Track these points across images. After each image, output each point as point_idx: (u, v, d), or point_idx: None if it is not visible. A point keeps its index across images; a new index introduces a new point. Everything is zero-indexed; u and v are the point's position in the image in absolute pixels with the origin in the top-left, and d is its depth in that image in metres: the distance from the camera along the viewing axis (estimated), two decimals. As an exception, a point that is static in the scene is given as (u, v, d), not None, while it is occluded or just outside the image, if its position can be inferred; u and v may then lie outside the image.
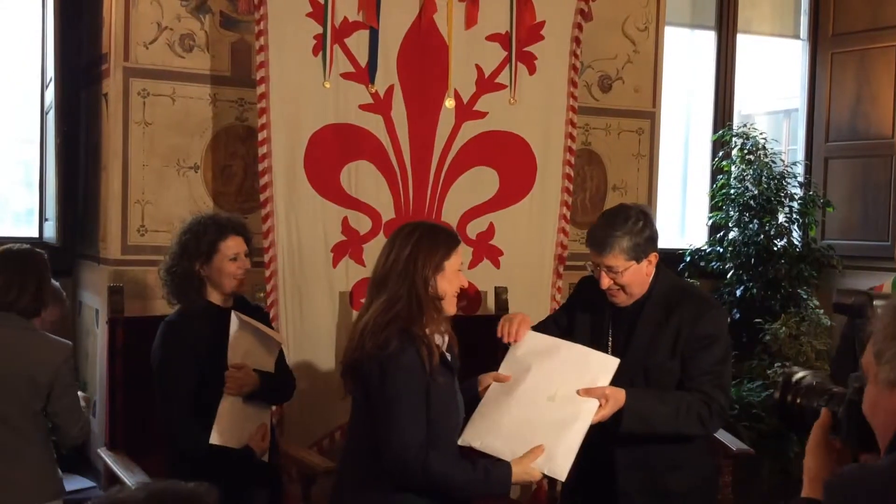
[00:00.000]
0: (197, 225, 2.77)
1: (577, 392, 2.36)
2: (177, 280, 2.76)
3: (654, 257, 2.54)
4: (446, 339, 2.36)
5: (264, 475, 2.79)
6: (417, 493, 2.25)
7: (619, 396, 2.38)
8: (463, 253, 2.45)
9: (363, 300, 3.46)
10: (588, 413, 2.34)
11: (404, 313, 2.25)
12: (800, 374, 1.60)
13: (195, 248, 2.73)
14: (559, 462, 2.28)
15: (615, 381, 2.46)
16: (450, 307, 2.37)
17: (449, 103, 3.64)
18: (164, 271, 2.80)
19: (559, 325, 2.74)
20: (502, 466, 2.26)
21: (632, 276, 2.52)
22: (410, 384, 2.22)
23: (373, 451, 2.25)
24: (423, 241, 2.32)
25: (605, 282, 2.52)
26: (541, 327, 2.66)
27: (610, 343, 2.58)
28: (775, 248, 4.92)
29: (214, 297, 2.78)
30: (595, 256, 2.52)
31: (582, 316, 2.69)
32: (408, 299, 2.26)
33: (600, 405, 2.35)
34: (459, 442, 2.36)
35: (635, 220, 2.50)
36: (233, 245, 2.74)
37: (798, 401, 1.55)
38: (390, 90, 3.55)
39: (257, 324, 2.79)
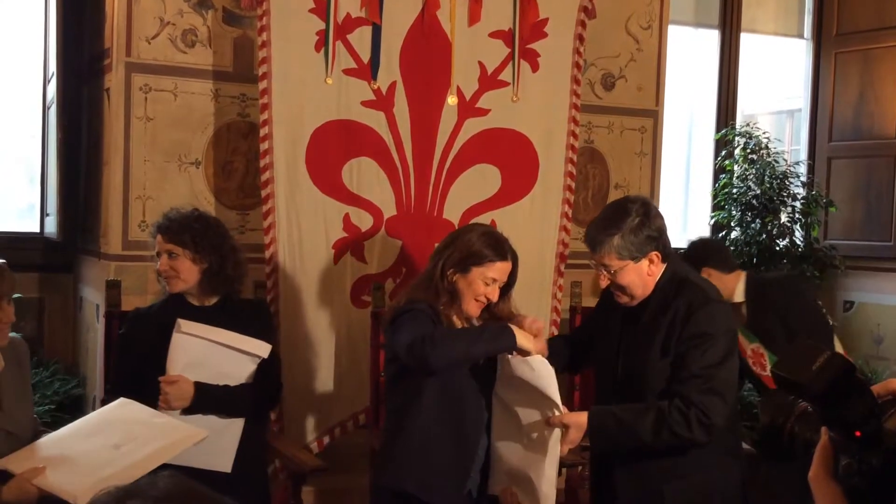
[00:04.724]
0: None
1: (539, 420, 2.39)
2: (157, 274, 2.87)
3: (655, 256, 2.38)
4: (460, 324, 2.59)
5: (224, 488, 2.70)
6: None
7: (579, 420, 2.34)
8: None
9: (364, 297, 3.51)
10: (554, 447, 2.37)
11: (421, 288, 2.54)
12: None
13: (153, 246, 2.86)
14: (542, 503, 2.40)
15: (613, 386, 2.46)
16: (467, 307, 2.56)
17: (451, 100, 3.63)
18: None
19: (580, 338, 2.73)
20: (504, 327, 2.44)
21: (629, 277, 2.38)
22: (417, 313, 2.46)
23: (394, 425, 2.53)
24: (468, 237, 2.58)
25: (603, 281, 2.43)
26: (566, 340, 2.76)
27: (620, 343, 2.49)
28: (777, 248, 4.91)
29: (188, 294, 2.81)
30: (591, 254, 2.45)
31: (601, 316, 2.62)
32: (427, 278, 2.55)
33: (563, 433, 2.35)
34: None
35: (633, 216, 2.36)
36: (157, 244, 2.78)
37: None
38: (392, 87, 3.54)
39: (214, 333, 2.69)
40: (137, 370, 2.70)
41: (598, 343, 2.61)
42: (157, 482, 1.14)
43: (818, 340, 3.04)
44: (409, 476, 2.48)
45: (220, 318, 2.75)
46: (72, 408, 3.87)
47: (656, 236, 2.38)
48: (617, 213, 2.41)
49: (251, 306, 2.95)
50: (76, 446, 2.34)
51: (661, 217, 2.43)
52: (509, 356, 2.44)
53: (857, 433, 1.09)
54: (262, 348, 2.74)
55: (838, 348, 3.22)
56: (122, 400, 2.53)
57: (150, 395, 2.61)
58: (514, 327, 2.41)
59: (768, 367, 3.02)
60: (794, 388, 1.13)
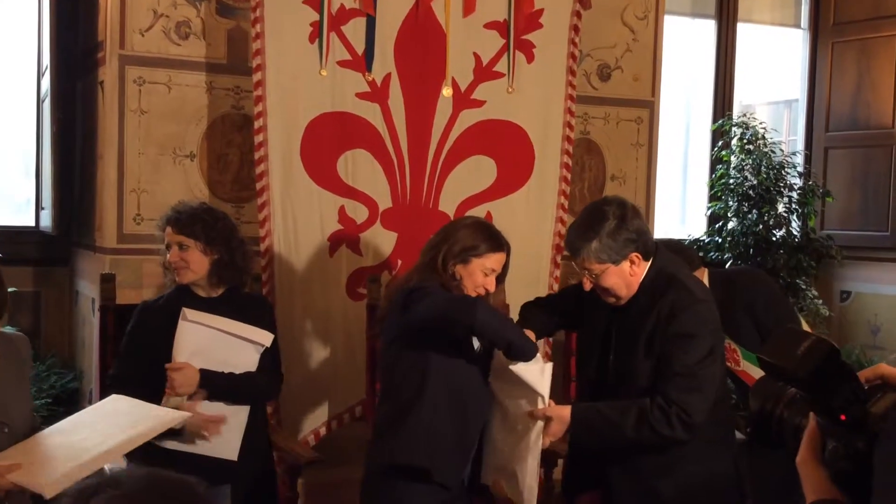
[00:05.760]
0: None
1: (525, 412, 2.41)
2: (162, 265, 2.88)
3: (636, 257, 2.40)
4: None
5: (229, 475, 2.70)
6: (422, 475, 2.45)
7: (562, 414, 2.36)
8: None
9: (360, 289, 3.50)
10: (536, 439, 2.39)
11: (426, 275, 2.55)
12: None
13: (161, 239, 2.87)
14: (526, 495, 2.42)
15: (602, 386, 2.47)
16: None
17: (446, 92, 3.61)
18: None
19: (566, 310, 2.73)
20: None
21: (612, 279, 2.40)
22: (437, 289, 2.49)
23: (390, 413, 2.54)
24: (464, 230, 2.61)
25: (587, 284, 2.44)
26: (549, 302, 2.78)
27: (609, 341, 2.50)
28: (774, 239, 4.91)
29: (195, 286, 2.83)
30: (572, 258, 2.47)
31: (589, 314, 2.61)
32: (429, 268, 2.55)
33: (546, 426, 2.36)
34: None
35: (611, 220, 2.37)
36: (167, 236, 2.80)
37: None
38: (387, 78, 3.53)
39: (219, 321, 2.72)
40: (144, 362, 2.71)
41: (581, 337, 2.64)
42: (121, 478, 1.15)
43: None
44: (419, 452, 2.48)
45: (225, 309, 2.79)
46: (68, 401, 3.88)
47: (635, 238, 2.40)
48: (593, 218, 2.42)
49: (254, 299, 2.99)
50: (58, 442, 2.35)
51: (639, 217, 2.45)
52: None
53: (843, 417, 1.09)
54: (265, 337, 2.80)
55: None
56: (113, 396, 2.55)
57: (159, 385, 2.64)
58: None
59: (741, 362, 3.02)
60: (780, 372, 1.14)
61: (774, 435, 1.24)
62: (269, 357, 2.83)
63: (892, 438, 1.05)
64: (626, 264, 2.39)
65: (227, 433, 2.70)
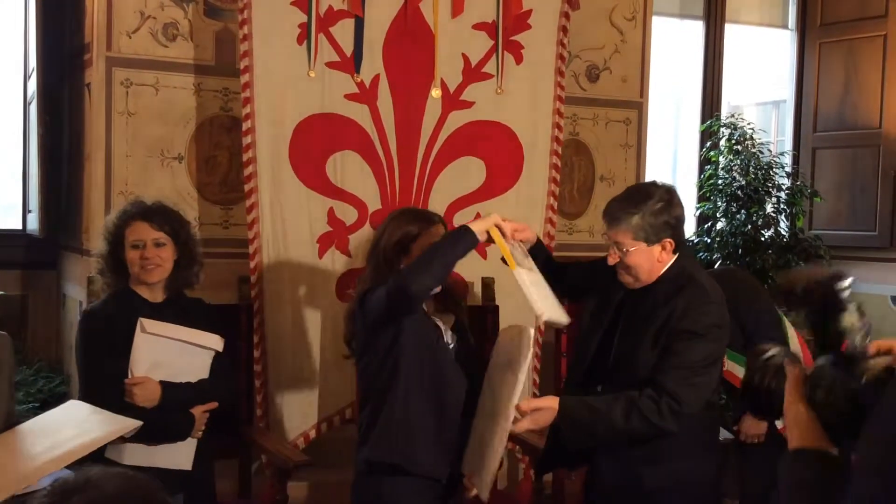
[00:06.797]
0: (118, 210, 2.79)
1: (504, 400, 2.39)
2: (101, 265, 2.75)
3: (668, 244, 2.40)
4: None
5: (182, 483, 2.63)
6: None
7: (551, 404, 2.36)
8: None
9: (349, 291, 3.50)
10: (504, 431, 2.37)
11: (374, 280, 2.55)
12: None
13: (108, 234, 2.73)
14: (486, 482, 2.42)
15: (599, 367, 2.48)
16: None
17: (435, 93, 3.61)
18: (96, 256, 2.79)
19: (580, 275, 2.76)
20: (459, 227, 2.50)
21: (639, 259, 2.40)
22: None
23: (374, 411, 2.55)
24: (391, 224, 2.62)
25: (612, 258, 2.43)
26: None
27: (615, 328, 2.50)
28: (763, 239, 4.92)
29: (141, 289, 2.72)
30: (606, 228, 2.45)
31: (597, 296, 2.61)
32: (377, 272, 2.57)
33: (534, 414, 2.35)
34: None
35: (656, 201, 2.39)
36: (135, 231, 2.66)
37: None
38: (376, 79, 3.53)
39: (175, 330, 2.66)
40: (116, 376, 2.61)
41: (586, 310, 2.64)
42: (102, 482, 1.16)
43: (767, 330, 3.07)
44: (394, 448, 2.50)
45: (174, 314, 2.71)
46: (56, 405, 3.84)
47: (674, 224, 2.42)
48: (641, 194, 2.44)
49: (197, 303, 2.87)
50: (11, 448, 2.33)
51: (682, 207, 2.47)
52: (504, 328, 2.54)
53: (844, 345, 1.14)
54: (218, 342, 2.75)
55: (790, 332, 3.24)
56: (71, 402, 2.54)
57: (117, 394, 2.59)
58: (470, 222, 2.50)
59: (726, 361, 3.03)
60: (790, 292, 1.29)
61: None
62: (220, 361, 2.76)
63: None
64: (657, 248, 2.40)
65: (182, 446, 2.67)
